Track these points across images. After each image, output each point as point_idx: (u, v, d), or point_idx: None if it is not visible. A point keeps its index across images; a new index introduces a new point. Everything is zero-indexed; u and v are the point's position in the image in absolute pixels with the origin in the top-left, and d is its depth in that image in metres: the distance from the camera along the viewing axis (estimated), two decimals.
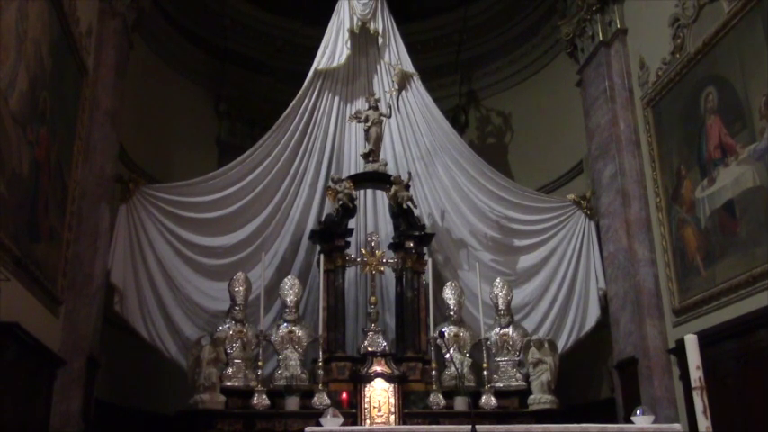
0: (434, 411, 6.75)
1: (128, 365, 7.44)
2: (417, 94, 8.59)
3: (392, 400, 6.56)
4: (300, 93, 8.23)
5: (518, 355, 7.29)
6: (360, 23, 8.41)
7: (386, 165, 8.05)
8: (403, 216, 7.66)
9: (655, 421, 4.94)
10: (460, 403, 6.84)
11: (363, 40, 8.63)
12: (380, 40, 8.52)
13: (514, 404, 7.06)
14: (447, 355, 7.09)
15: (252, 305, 7.14)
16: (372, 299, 7.38)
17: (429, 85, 8.96)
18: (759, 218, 5.29)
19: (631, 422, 4.96)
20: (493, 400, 6.90)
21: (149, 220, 7.19)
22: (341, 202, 7.48)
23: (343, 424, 4.96)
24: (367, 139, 8.05)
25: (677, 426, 4.79)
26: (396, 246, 7.65)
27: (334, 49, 8.38)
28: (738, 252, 5.54)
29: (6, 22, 4.42)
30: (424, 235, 7.67)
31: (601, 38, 7.73)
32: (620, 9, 7.64)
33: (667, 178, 6.71)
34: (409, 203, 7.66)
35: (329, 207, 7.88)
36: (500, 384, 7.16)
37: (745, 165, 5.47)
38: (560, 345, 7.43)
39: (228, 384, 6.72)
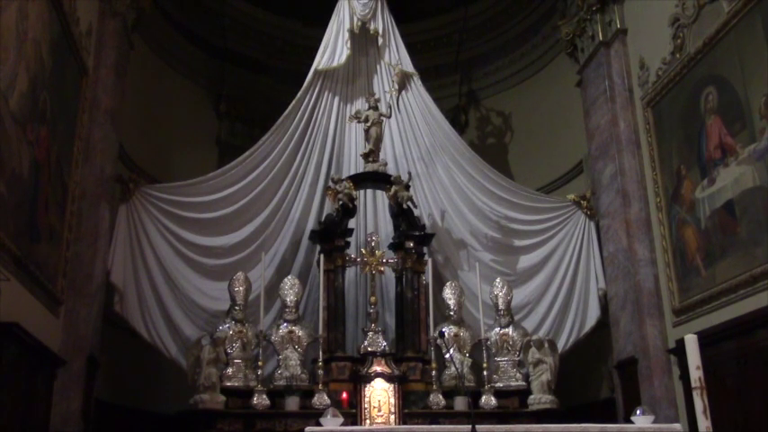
0: (434, 411, 6.75)
1: (128, 365, 7.44)
2: (417, 94, 8.58)
3: (392, 400, 6.57)
4: (300, 93, 8.23)
5: (518, 355, 7.28)
6: (360, 23, 8.41)
7: (386, 165, 8.05)
8: (403, 216, 7.66)
9: (655, 421, 4.93)
10: (460, 403, 6.84)
11: (363, 40, 8.62)
12: (380, 40, 8.52)
13: (514, 404, 7.05)
14: (447, 355, 7.08)
15: (252, 305, 7.14)
16: (372, 299, 7.36)
17: (429, 85, 8.96)
18: (759, 218, 5.28)
19: (631, 422, 4.95)
20: (493, 400, 6.90)
21: (149, 220, 7.20)
22: (341, 202, 7.48)
23: (343, 424, 4.96)
24: (367, 139, 8.05)
25: (677, 426, 4.79)
26: (396, 246, 7.65)
27: (334, 49, 8.38)
28: (738, 252, 5.54)
29: (6, 22, 4.43)
30: (424, 235, 7.67)
31: (601, 38, 7.73)
32: (620, 9, 7.64)
33: (667, 178, 6.71)
34: (409, 203, 7.66)
35: (329, 207, 7.88)
36: (500, 384, 7.15)
37: (745, 165, 5.46)
38: (560, 345, 7.43)
39: (228, 384, 6.72)
